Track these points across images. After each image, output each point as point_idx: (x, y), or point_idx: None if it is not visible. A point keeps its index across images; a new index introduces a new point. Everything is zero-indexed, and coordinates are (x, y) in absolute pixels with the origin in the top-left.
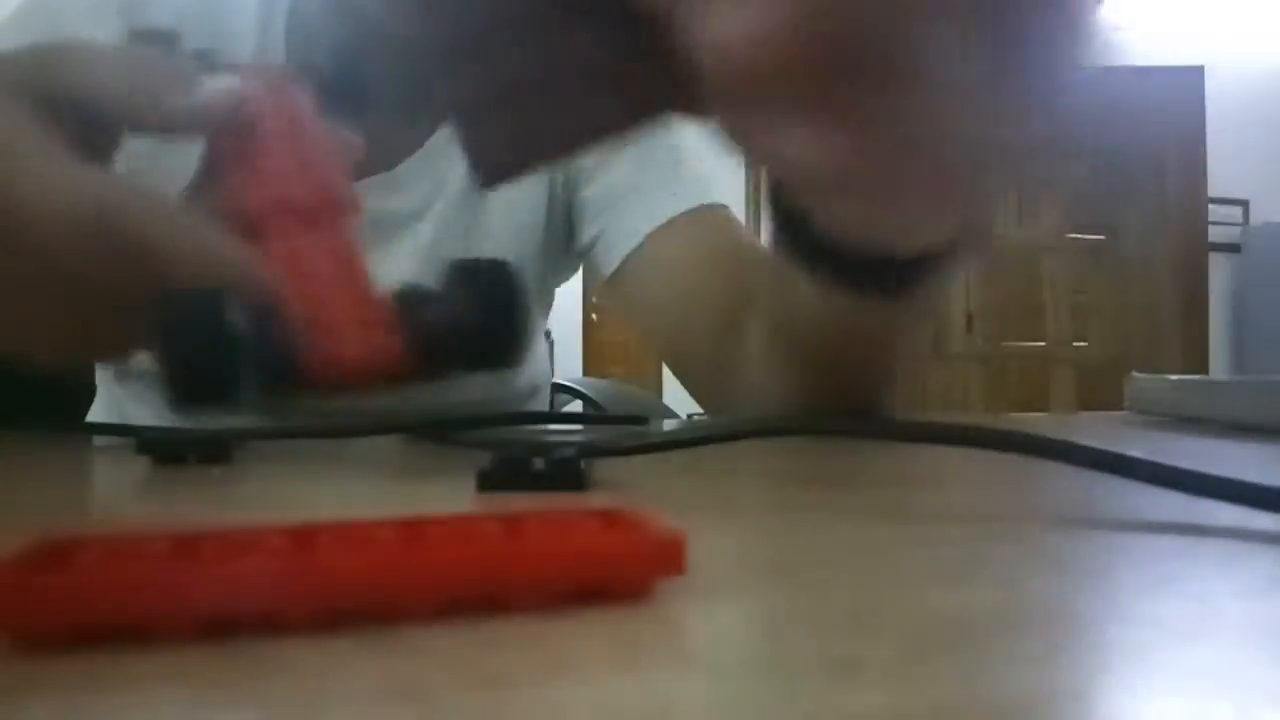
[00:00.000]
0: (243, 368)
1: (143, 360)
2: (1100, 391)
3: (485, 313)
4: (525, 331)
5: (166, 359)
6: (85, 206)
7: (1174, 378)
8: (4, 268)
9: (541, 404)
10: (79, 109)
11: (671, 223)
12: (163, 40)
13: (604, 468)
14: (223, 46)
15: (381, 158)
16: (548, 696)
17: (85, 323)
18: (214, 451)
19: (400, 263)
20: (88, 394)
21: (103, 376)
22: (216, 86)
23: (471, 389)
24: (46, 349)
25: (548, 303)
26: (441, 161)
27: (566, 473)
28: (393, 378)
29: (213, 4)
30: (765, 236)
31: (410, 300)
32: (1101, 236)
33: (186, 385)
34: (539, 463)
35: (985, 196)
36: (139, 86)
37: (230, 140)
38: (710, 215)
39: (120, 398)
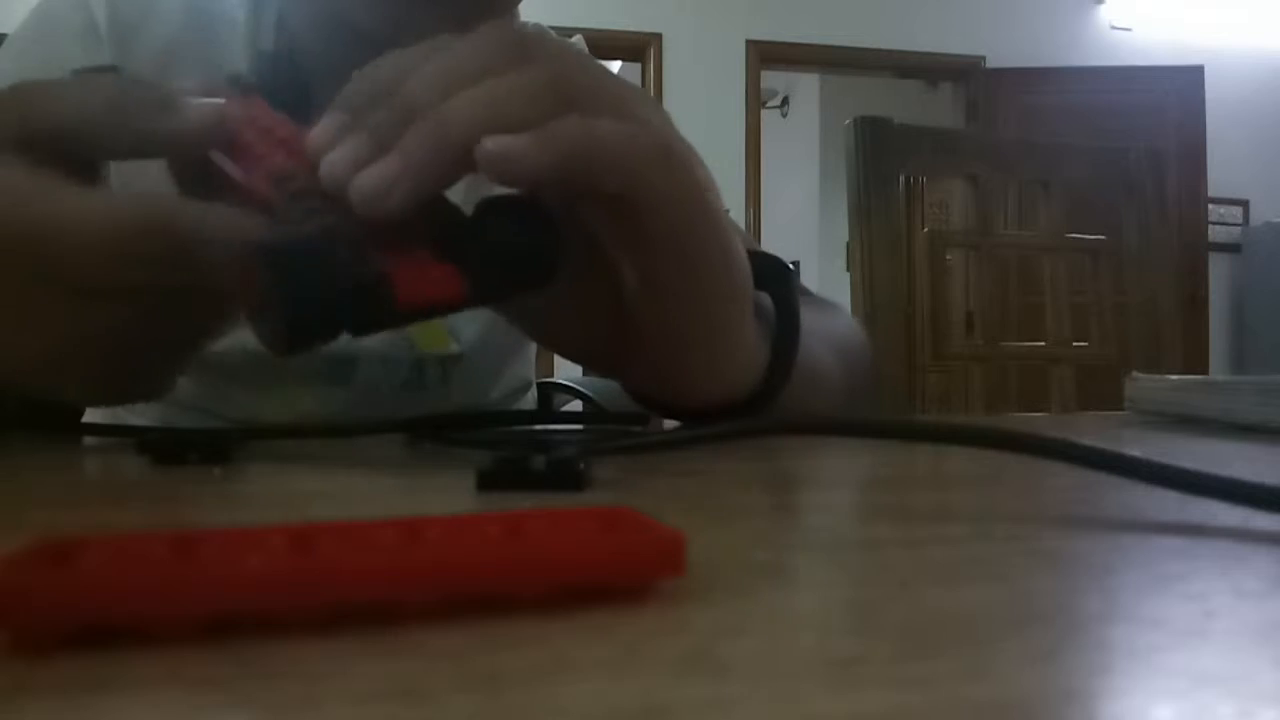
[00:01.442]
0: (339, 302)
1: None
2: (1100, 391)
3: (519, 233)
4: (561, 248)
5: (277, 295)
6: (128, 220)
7: (1174, 378)
8: (49, 305)
9: (530, 402)
10: (57, 143)
11: None
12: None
13: (604, 468)
14: (216, 68)
15: None
16: (548, 696)
17: (126, 355)
18: (214, 451)
19: None
20: None
21: None
22: (196, 104)
23: (466, 388)
24: (87, 385)
25: None
26: None
27: (566, 473)
28: (448, 301)
29: (203, 27)
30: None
31: (451, 226)
32: (1101, 236)
33: (297, 322)
34: (539, 463)
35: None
36: (118, 112)
37: (217, 152)
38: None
39: (115, 411)
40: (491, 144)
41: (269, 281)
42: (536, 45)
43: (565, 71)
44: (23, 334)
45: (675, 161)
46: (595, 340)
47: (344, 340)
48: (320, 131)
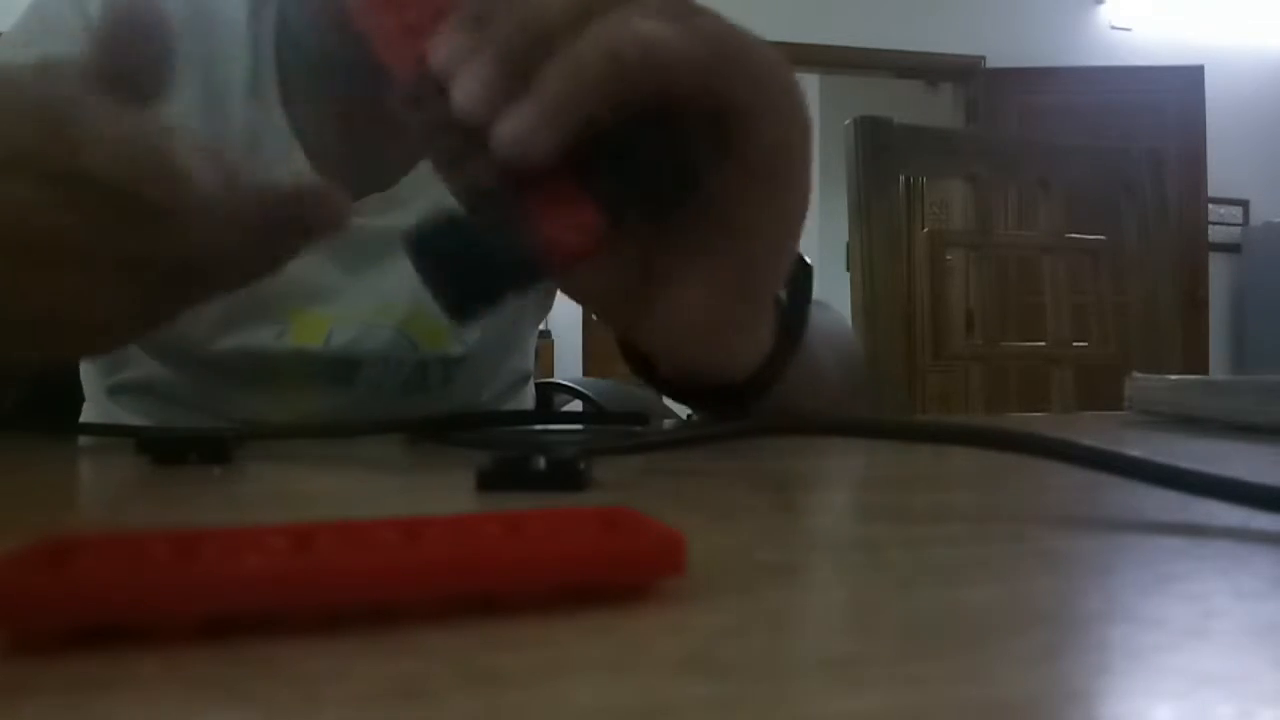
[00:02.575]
0: (501, 267)
1: (130, 368)
2: (1100, 391)
3: (659, 148)
4: (699, 155)
5: (440, 273)
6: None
7: (1174, 378)
8: None
9: (529, 395)
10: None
11: None
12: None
13: (604, 468)
14: (216, 62)
15: (378, 175)
16: (548, 696)
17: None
18: (214, 451)
19: (408, 279)
20: (81, 399)
21: (92, 390)
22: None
23: (467, 386)
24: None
25: (548, 304)
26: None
27: (566, 473)
28: (597, 243)
29: (203, 27)
30: None
31: (587, 166)
32: (1101, 236)
33: (462, 296)
34: (539, 463)
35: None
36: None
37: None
38: None
39: (113, 412)
40: (645, 27)
41: (428, 270)
42: None
43: None
44: None
45: (793, 85)
46: (616, 285)
47: (347, 343)
48: (447, 42)
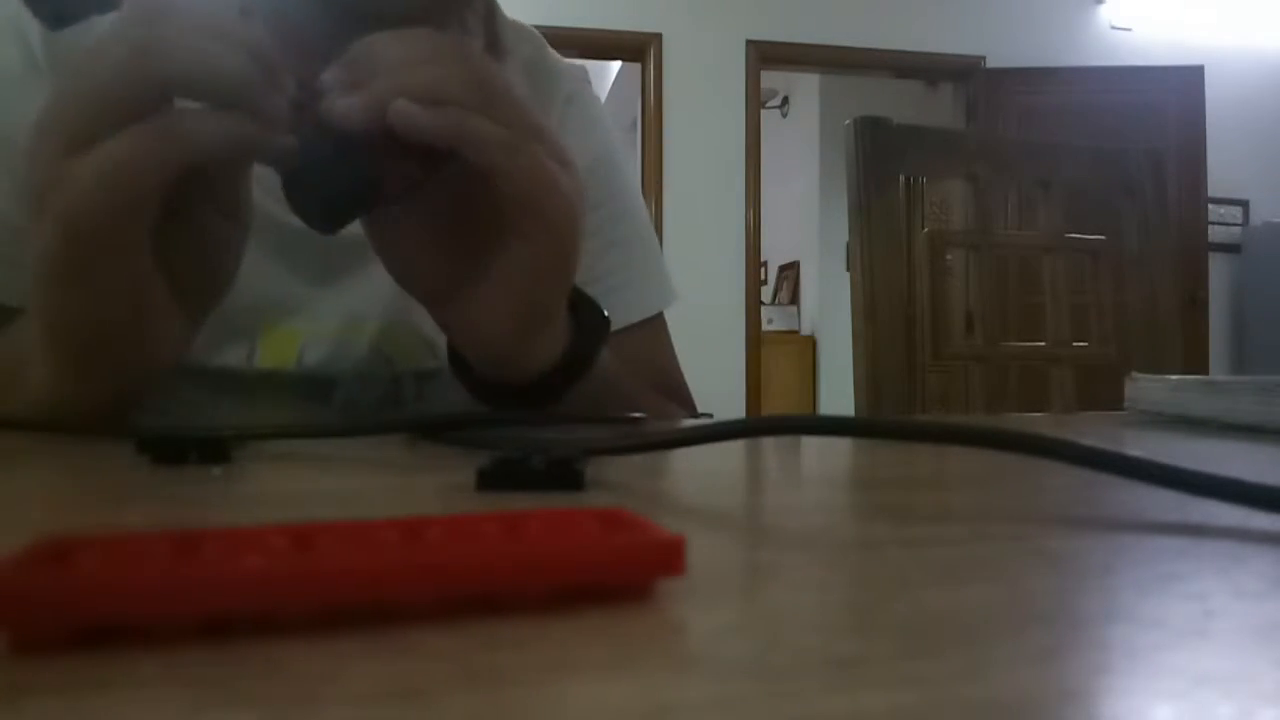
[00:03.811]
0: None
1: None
2: (1100, 391)
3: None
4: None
5: (307, 188)
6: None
7: (1174, 378)
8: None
9: None
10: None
11: (629, 328)
12: None
13: (603, 468)
14: None
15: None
16: (548, 696)
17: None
18: (214, 451)
19: (378, 291)
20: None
21: None
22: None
23: (443, 401)
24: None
25: None
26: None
27: (566, 472)
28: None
29: None
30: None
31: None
32: (1101, 236)
33: (325, 210)
34: (539, 463)
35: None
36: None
37: None
38: (657, 323)
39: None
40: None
41: (300, 199)
42: (468, 49)
43: (483, 75)
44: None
45: (531, 158)
46: (437, 274)
47: (320, 361)
48: (330, 71)
